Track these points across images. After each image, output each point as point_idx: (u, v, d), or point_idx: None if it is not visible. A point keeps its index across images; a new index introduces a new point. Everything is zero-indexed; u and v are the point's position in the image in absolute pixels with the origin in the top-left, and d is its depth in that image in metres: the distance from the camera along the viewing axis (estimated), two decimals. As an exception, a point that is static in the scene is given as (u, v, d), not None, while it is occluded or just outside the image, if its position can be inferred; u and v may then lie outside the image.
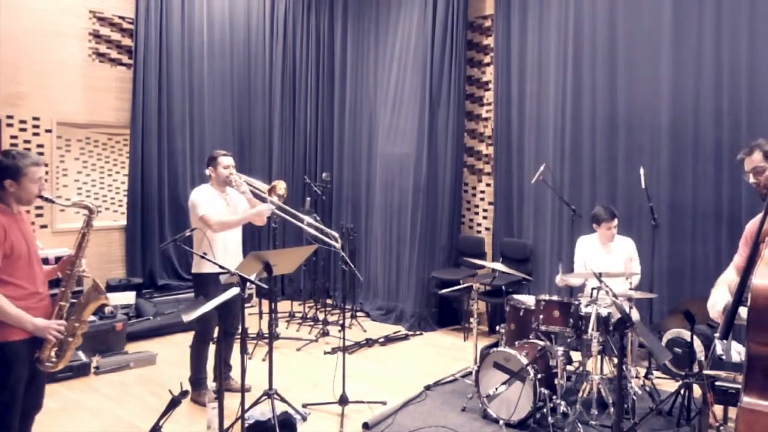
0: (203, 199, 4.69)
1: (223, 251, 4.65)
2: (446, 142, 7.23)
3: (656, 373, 5.08)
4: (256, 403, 4.32)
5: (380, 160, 7.73)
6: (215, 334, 4.83)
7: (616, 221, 5.09)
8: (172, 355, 5.90)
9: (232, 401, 4.40)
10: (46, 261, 3.37)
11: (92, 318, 5.05)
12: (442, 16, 7.11)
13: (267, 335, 5.36)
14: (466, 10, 7.25)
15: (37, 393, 3.31)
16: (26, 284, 3.12)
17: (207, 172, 4.86)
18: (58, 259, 3.50)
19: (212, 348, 4.83)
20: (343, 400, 4.53)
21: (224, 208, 4.79)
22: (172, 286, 7.30)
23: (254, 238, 7.96)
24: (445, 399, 4.89)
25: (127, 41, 7.16)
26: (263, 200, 4.87)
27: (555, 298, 4.63)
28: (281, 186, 4.96)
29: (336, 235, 5.14)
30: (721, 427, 3.70)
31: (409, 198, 7.30)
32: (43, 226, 6.54)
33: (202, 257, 3.96)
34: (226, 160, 4.80)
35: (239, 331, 3.85)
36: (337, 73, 8.41)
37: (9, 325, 3.04)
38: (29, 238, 3.19)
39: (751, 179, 3.02)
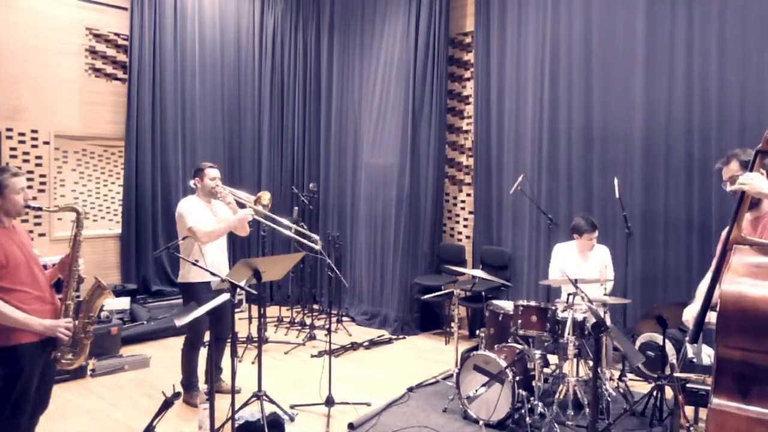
0: (191, 210, 4.70)
1: (210, 260, 4.67)
2: (428, 154, 7.31)
3: (630, 376, 5.14)
4: (245, 404, 4.40)
5: (365, 170, 7.81)
6: (206, 339, 4.86)
7: (596, 233, 5.13)
8: (166, 358, 5.94)
9: (222, 402, 4.48)
10: (44, 268, 3.40)
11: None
12: (425, 32, 7.21)
13: (256, 339, 5.50)
14: (447, 26, 7.33)
15: (45, 394, 3.39)
16: (30, 289, 3.19)
17: (192, 183, 4.88)
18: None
19: (203, 352, 4.89)
20: (330, 402, 4.60)
21: (212, 219, 4.81)
22: (165, 291, 7.38)
23: (244, 245, 8.04)
24: (427, 400, 4.96)
25: (122, 57, 7.28)
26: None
27: (533, 303, 4.65)
28: (266, 197, 4.98)
29: (317, 237, 5.15)
30: (692, 428, 3.76)
31: (393, 207, 7.38)
32: (42, 235, 6.66)
33: (194, 264, 4.06)
34: (212, 172, 4.84)
35: (229, 336, 3.86)
36: (324, 87, 8.49)
37: (18, 328, 3.11)
38: (25, 247, 3.26)
39: (729, 188, 3.04)
